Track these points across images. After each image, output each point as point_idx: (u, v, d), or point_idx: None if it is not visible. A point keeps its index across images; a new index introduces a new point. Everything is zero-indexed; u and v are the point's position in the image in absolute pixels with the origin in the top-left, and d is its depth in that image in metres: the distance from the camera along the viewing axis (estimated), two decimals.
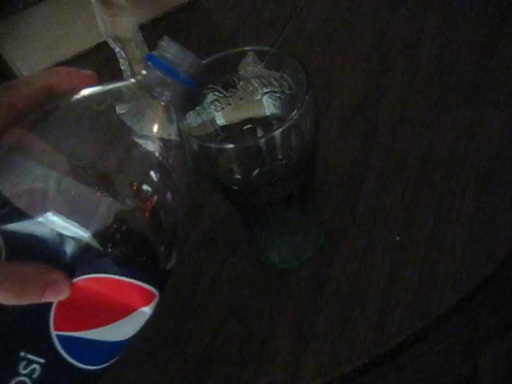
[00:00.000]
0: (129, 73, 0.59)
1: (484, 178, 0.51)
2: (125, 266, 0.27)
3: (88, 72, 0.31)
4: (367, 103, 0.59)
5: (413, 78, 0.60)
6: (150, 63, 0.29)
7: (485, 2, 0.64)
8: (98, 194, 0.26)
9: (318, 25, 0.68)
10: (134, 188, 0.27)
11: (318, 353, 0.44)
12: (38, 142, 0.27)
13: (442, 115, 0.56)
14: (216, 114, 0.41)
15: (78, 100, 0.29)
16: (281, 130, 0.36)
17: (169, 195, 0.28)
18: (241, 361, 0.45)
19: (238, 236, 0.51)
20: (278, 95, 0.40)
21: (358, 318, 0.45)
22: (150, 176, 0.28)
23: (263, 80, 0.40)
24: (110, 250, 0.26)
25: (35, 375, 0.28)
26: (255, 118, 0.41)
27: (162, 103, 0.29)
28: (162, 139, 0.29)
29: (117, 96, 0.29)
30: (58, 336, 0.28)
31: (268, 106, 0.41)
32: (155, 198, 0.28)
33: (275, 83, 0.40)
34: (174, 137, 0.29)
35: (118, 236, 0.26)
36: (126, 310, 0.29)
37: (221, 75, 0.40)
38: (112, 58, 0.59)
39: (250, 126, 0.41)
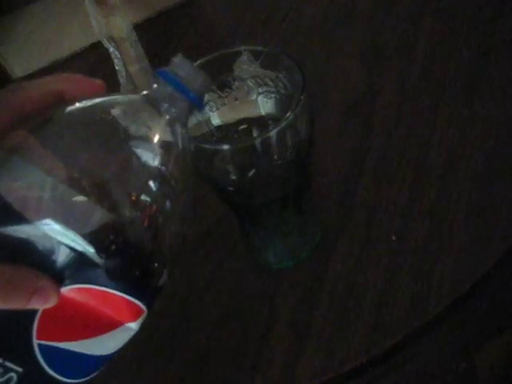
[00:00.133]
0: (123, 73, 0.59)
1: (480, 178, 0.51)
2: (116, 278, 0.27)
3: (98, 81, 0.31)
4: (363, 103, 0.59)
5: (408, 77, 0.60)
6: (161, 78, 0.29)
7: (480, 2, 0.64)
8: (94, 203, 0.26)
9: (313, 24, 0.68)
10: (133, 198, 0.27)
11: (315, 353, 0.44)
12: (38, 147, 0.27)
13: (437, 115, 0.56)
14: (211, 114, 0.41)
15: (82, 108, 0.29)
16: (276, 130, 0.36)
17: (168, 206, 0.28)
18: (237, 361, 0.45)
19: (234, 236, 0.51)
20: (273, 95, 0.40)
21: (354, 318, 0.45)
22: (149, 186, 0.27)
23: (258, 80, 0.40)
24: (103, 260, 0.26)
25: None
26: (250, 118, 0.41)
27: (167, 117, 0.29)
28: (163, 150, 0.28)
29: (122, 107, 0.29)
30: (39, 345, 0.27)
31: (263, 106, 0.40)
32: (154, 208, 0.27)
33: (270, 83, 0.39)
34: (175, 150, 0.29)
35: (113, 247, 0.26)
36: (112, 324, 0.28)
37: (216, 75, 0.40)
38: (106, 57, 0.59)
39: (245, 126, 0.41)
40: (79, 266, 0.26)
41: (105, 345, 0.29)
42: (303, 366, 0.44)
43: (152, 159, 0.28)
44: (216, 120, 0.41)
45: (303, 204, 0.46)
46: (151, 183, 0.27)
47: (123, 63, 0.58)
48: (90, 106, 0.29)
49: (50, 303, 0.26)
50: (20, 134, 0.27)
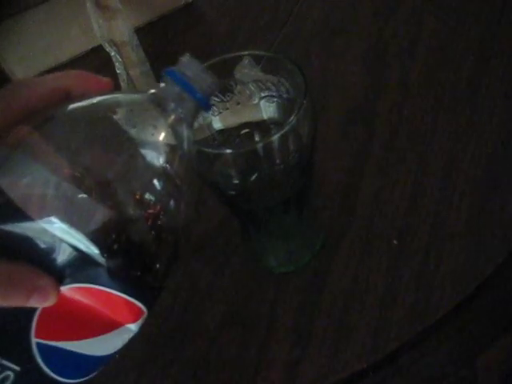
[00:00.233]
0: (124, 77, 0.59)
1: (481, 181, 0.51)
2: (118, 278, 0.26)
3: (105, 78, 0.30)
4: (364, 106, 0.59)
5: (409, 81, 0.60)
6: (169, 77, 0.29)
7: (481, 4, 0.64)
8: (97, 202, 0.25)
9: (313, 28, 0.68)
10: (137, 197, 0.26)
11: (316, 357, 0.44)
12: (42, 144, 0.26)
13: (439, 118, 0.56)
14: (213, 118, 0.41)
15: (89, 105, 0.28)
16: (279, 134, 0.36)
17: (172, 205, 0.28)
18: (239, 365, 0.45)
19: (236, 240, 0.51)
20: (275, 99, 0.40)
21: (356, 322, 0.45)
22: (154, 185, 0.27)
23: (260, 84, 0.40)
24: (105, 260, 0.26)
25: (7, 383, 0.26)
26: (252, 123, 0.41)
27: (173, 116, 0.29)
28: (168, 149, 0.28)
29: (128, 105, 0.29)
30: (37, 344, 0.27)
31: (265, 110, 0.40)
32: (158, 207, 0.27)
33: (272, 87, 0.39)
34: (180, 150, 0.29)
35: (115, 246, 0.26)
36: (112, 325, 0.28)
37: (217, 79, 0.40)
38: (107, 61, 0.59)
39: (247, 130, 0.41)
40: (80, 265, 0.26)
41: (104, 345, 0.29)
42: (304, 370, 0.44)
43: (157, 158, 0.28)
44: (218, 124, 0.41)
45: (305, 208, 0.46)
46: (156, 182, 0.27)
47: (124, 67, 0.59)
48: (96, 104, 0.29)
49: (50, 302, 0.26)
50: (24, 130, 0.27)
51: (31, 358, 0.27)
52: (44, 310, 0.26)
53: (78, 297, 0.27)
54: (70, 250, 0.25)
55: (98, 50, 0.62)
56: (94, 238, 0.25)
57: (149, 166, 0.27)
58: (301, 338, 0.45)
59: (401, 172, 0.53)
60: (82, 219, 0.25)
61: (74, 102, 0.28)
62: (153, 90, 0.29)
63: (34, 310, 0.26)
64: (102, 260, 0.26)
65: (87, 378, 0.29)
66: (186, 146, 0.29)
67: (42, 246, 0.25)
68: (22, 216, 0.25)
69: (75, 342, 0.28)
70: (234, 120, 0.41)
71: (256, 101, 0.40)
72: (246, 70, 0.40)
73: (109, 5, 0.56)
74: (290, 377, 0.44)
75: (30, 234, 0.25)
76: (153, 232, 0.27)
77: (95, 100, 0.29)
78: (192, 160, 0.30)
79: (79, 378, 0.29)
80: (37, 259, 0.26)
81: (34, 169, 0.26)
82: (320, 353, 0.44)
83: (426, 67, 0.61)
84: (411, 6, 0.67)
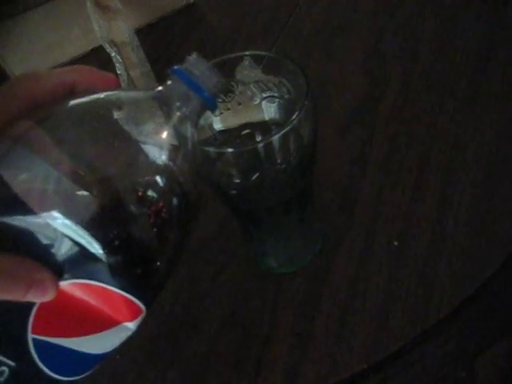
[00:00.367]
0: (125, 77, 0.59)
1: (481, 183, 0.51)
2: (118, 275, 0.26)
3: (110, 74, 0.30)
4: (365, 107, 0.59)
5: (410, 81, 0.60)
6: (175, 75, 0.29)
7: (481, 4, 0.65)
8: (98, 197, 0.25)
9: (314, 29, 0.68)
10: (139, 193, 0.26)
11: (317, 358, 0.44)
12: (44, 138, 0.26)
13: (439, 120, 0.56)
14: (214, 118, 0.41)
15: (93, 101, 0.28)
16: (280, 134, 0.36)
17: (175, 203, 0.28)
18: (239, 366, 0.45)
19: (236, 241, 0.51)
20: (276, 100, 0.40)
21: (356, 324, 0.45)
22: (156, 182, 0.27)
23: (262, 85, 0.40)
24: (105, 256, 0.25)
25: (1, 379, 0.26)
26: (253, 123, 0.41)
27: (178, 114, 0.29)
28: (172, 147, 0.28)
29: (133, 102, 0.29)
30: (34, 340, 0.27)
31: (267, 110, 0.40)
32: (160, 204, 0.27)
33: (274, 88, 0.39)
34: (184, 148, 0.29)
35: (116, 242, 0.26)
36: (109, 322, 0.28)
37: None
38: (108, 62, 0.59)
39: (248, 130, 0.41)
40: (80, 261, 0.26)
41: (101, 343, 0.28)
42: (305, 371, 0.44)
43: (160, 155, 0.27)
44: (219, 125, 0.41)
45: (305, 209, 0.46)
46: (158, 179, 0.27)
47: (125, 68, 0.59)
48: (100, 100, 0.28)
49: (48, 297, 0.26)
50: (27, 124, 0.27)
51: (27, 353, 0.27)
52: (42, 305, 0.26)
53: (76, 293, 0.26)
54: (70, 245, 0.25)
55: (99, 51, 0.62)
56: (95, 233, 0.25)
57: (151, 163, 0.27)
58: (301, 339, 0.45)
59: (401, 172, 0.53)
60: (84, 214, 0.25)
61: (77, 98, 0.28)
62: (159, 88, 0.29)
63: (31, 305, 0.26)
64: (102, 256, 0.25)
65: (82, 376, 0.29)
66: (190, 144, 0.29)
67: (43, 240, 0.25)
68: (23, 209, 0.25)
69: (72, 339, 0.28)
70: (235, 120, 0.41)
71: (257, 101, 0.40)
72: (247, 71, 0.40)
73: (109, 5, 0.56)
74: (290, 377, 0.44)
75: (30, 227, 0.25)
76: (154, 229, 0.27)
77: (100, 96, 0.28)
78: (196, 159, 0.30)
79: (74, 376, 0.29)
80: (37, 253, 0.25)
81: (35, 163, 0.25)
82: (320, 353, 0.44)
83: (426, 67, 0.61)
84: (411, 6, 0.67)
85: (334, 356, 0.44)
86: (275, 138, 0.36)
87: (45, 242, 0.25)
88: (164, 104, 0.29)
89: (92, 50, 0.71)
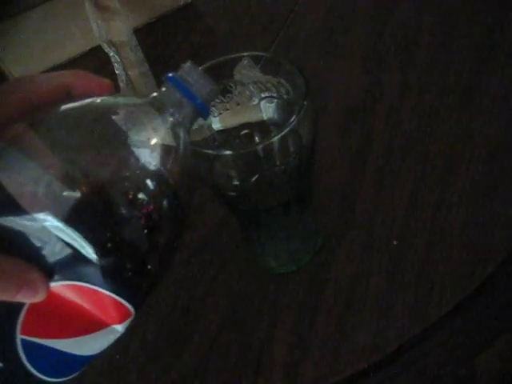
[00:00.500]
0: (123, 77, 0.59)
1: (481, 181, 0.51)
2: (108, 277, 0.26)
3: (106, 80, 0.31)
4: (363, 107, 0.59)
5: (409, 80, 0.60)
6: (169, 83, 0.30)
7: (481, 4, 0.65)
8: (90, 200, 0.26)
9: (312, 29, 0.68)
10: (130, 196, 0.26)
11: (317, 358, 0.44)
12: (37, 141, 0.27)
13: (437, 119, 0.56)
14: (213, 119, 0.41)
15: (86, 106, 0.29)
16: (279, 135, 0.36)
17: (166, 206, 0.28)
18: (239, 366, 0.45)
19: (236, 241, 0.51)
20: (275, 100, 0.40)
21: (356, 323, 0.45)
22: (147, 186, 0.27)
23: (260, 85, 0.40)
24: (96, 258, 0.25)
25: None
26: (252, 123, 0.41)
27: (171, 120, 0.29)
28: (163, 152, 0.28)
29: (126, 107, 0.29)
30: (22, 341, 0.27)
31: (265, 111, 0.40)
32: (150, 207, 0.27)
33: (273, 88, 0.39)
34: (176, 153, 0.29)
35: (107, 245, 0.26)
36: (98, 324, 0.28)
37: (216, 81, 0.40)
38: (106, 62, 0.59)
39: (247, 131, 0.41)
40: (72, 262, 0.26)
41: (89, 345, 0.28)
42: (305, 370, 0.44)
43: (151, 159, 0.28)
44: (217, 125, 0.41)
45: (305, 209, 0.46)
46: (149, 182, 0.27)
47: (123, 67, 0.58)
48: (94, 105, 0.29)
49: (39, 297, 0.26)
50: (21, 127, 0.27)
51: (15, 354, 0.27)
52: (31, 306, 0.26)
53: (67, 294, 0.26)
54: (61, 246, 0.25)
55: (97, 51, 0.62)
56: (86, 235, 0.25)
57: (143, 167, 0.27)
58: (301, 339, 0.45)
59: (401, 172, 0.53)
60: (74, 216, 0.25)
61: (72, 102, 0.29)
62: (153, 94, 0.30)
63: (21, 305, 0.26)
64: (93, 258, 0.25)
65: (69, 377, 0.29)
66: (181, 149, 0.29)
67: (34, 241, 0.25)
68: (16, 211, 0.25)
69: (61, 341, 0.28)
70: (233, 121, 0.41)
71: (256, 102, 0.40)
72: (246, 71, 0.40)
73: (108, 5, 0.56)
74: (290, 377, 0.44)
75: (22, 228, 0.25)
76: (145, 232, 0.27)
77: (94, 100, 0.29)
78: (188, 163, 0.30)
79: (61, 377, 0.29)
80: (28, 254, 0.25)
81: (28, 165, 0.26)
82: (320, 353, 0.44)
83: (425, 67, 0.61)
84: (411, 7, 0.67)
85: (334, 355, 0.44)
86: (274, 140, 0.36)
87: (36, 243, 0.25)
88: (158, 110, 0.29)
89: (90, 49, 0.70)
